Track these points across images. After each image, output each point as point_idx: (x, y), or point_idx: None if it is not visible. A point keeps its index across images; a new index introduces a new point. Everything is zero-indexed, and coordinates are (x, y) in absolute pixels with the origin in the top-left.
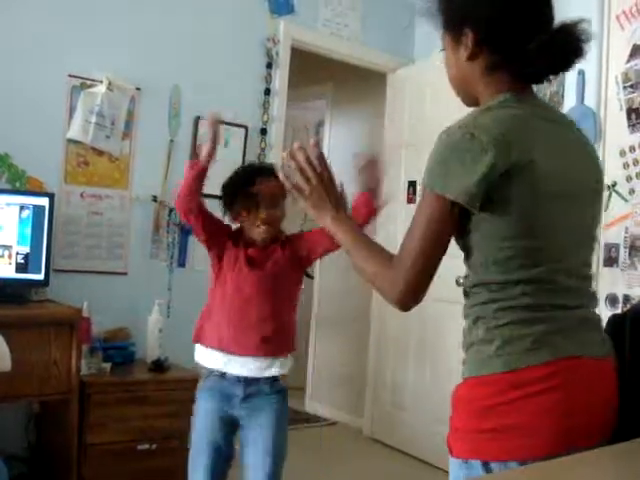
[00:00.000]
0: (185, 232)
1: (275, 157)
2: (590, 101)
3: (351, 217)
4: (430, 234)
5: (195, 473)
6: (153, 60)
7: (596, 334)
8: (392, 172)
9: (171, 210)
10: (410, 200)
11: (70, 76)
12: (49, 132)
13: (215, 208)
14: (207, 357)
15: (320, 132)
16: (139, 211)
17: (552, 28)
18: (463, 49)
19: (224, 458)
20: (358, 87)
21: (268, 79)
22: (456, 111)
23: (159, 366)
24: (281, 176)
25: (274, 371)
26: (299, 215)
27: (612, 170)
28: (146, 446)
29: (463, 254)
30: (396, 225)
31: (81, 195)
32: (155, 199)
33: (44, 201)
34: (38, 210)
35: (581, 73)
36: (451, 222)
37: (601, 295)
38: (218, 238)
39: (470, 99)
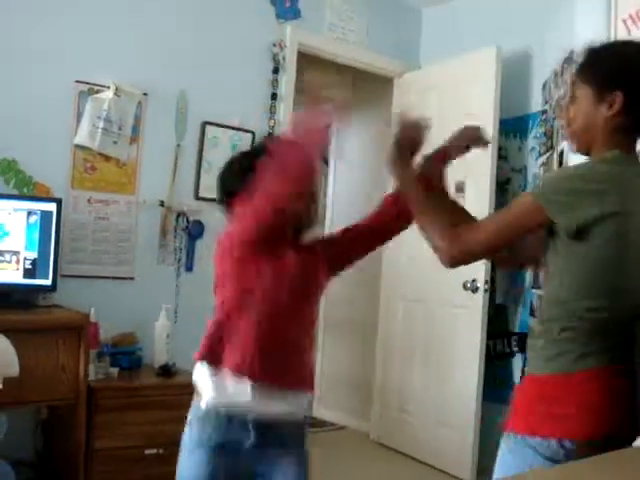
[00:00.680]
0: (192, 237)
1: None
2: None
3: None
4: (511, 226)
5: None
6: (160, 65)
7: None
8: None
9: (178, 215)
10: None
11: (77, 82)
12: (56, 138)
13: (218, 211)
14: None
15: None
16: (146, 216)
17: None
18: (606, 107)
19: None
20: (364, 91)
21: (275, 84)
22: (461, 116)
23: (167, 371)
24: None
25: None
26: None
27: None
28: (154, 451)
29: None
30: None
31: (88, 200)
32: (162, 204)
33: (51, 206)
34: (45, 215)
35: None
36: (527, 230)
37: None
38: None
39: (584, 147)
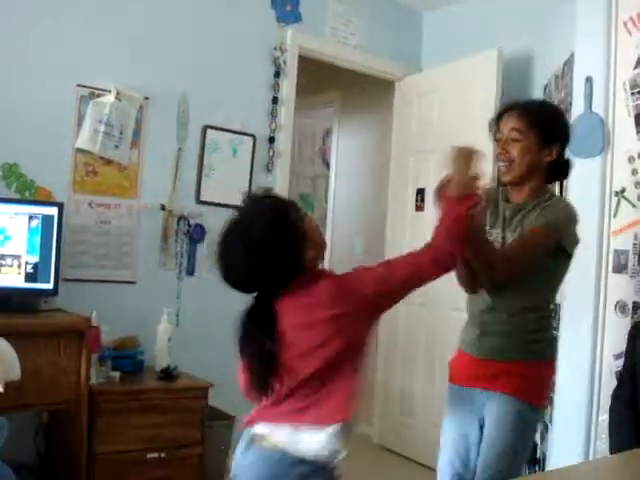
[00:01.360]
0: (194, 241)
1: (283, 165)
2: (598, 108)
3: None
4: (538, 253)
5: None
6: (161, 69)
7: None
8: (400, 180)
9: (179, 219)
10: (419, 208)
11: (78, 86)
12: (58, 142)
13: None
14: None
15: (328, 140)
16: (147, 220)
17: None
18: (547, 153)
19: None
20: (366, 95)
21: (276, 87)
22: (463, 120)
23: (168, 374)
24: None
25: None
26: None
27: (620, 176)
28: (155, 455)
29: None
30: (404, 231)
31: (90, 204)
32: (163, 208)
33: (53, 210)
34: (47, 219)
35: (589, 80)
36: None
37: (610, 302)
38: None
39: (519, 180)
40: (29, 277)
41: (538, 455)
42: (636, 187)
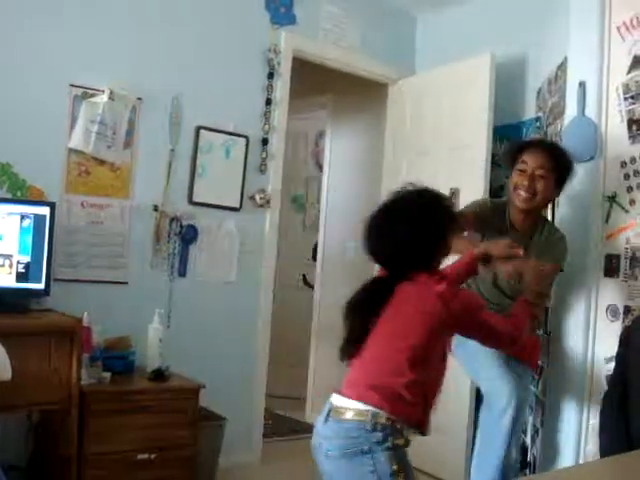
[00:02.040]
0: (186, 241)
1: (276, 167)
2: (591, 112)
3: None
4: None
5: None
6: (154, 70)
7: None
8: (393, 182)
9: (172, 220)
10: None
11: (72, 86)
12: (50, 141)
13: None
14: None
15: (321, 142)
16: (140, 220)
17: None
18: (557, 193)
19: None
20: (359, 97)
21: (269, 89)
22: (456, 123)
23: (159, 375)
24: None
25: None
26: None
27: (613, 181)
28: (146, 456)
29: None
30: None
31: (82, 204)
32: (156, 208)
33: (45, 210)
34: (39, 219)
35: (582, 84)
36: None
37: (601, 306)
38: None
39: (534, 210)
40: (20, 277)
41: (529, 458)
42: (628, 191)
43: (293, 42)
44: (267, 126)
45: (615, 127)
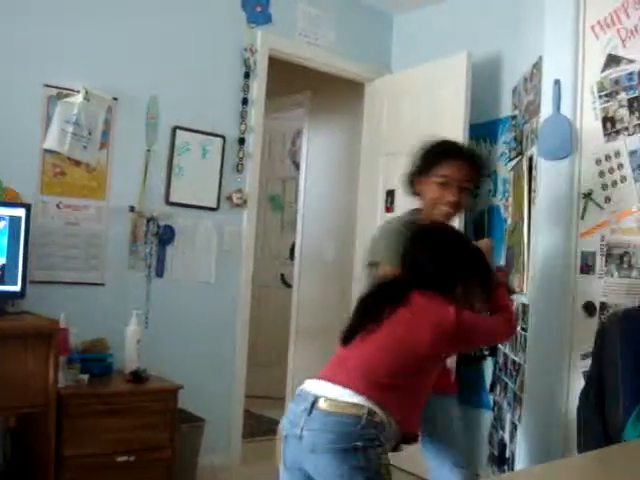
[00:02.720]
0: (163, 242)
1: (253, 167)
2: (566, 110)
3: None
4: None
5: None
6: (130, 70)
7: None
8: (370, 181)
9: (149, 220)
10: (388, 209)
11: (46, 86)
12: (25, 142)
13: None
14: None
15: (298, 142)
16: (116, 221)
17: None
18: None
19: None
20: (336, 96)
21: (246, 89)
22: (432, 122)
23: (138, 377)
24: None
25: None
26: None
27: (588, 178)
28: (125, 458)
29: None
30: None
31: (57, 205)
32: (132, 209)
33: (20, 212)
34: (14, 221)
35: (557, 82)
36: None
37: (578, 303)
38: None
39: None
40: None
41: (507, 455)
42: (603, 189)
43: (269, 41)
44: (244, 126)
45: (590, 125)
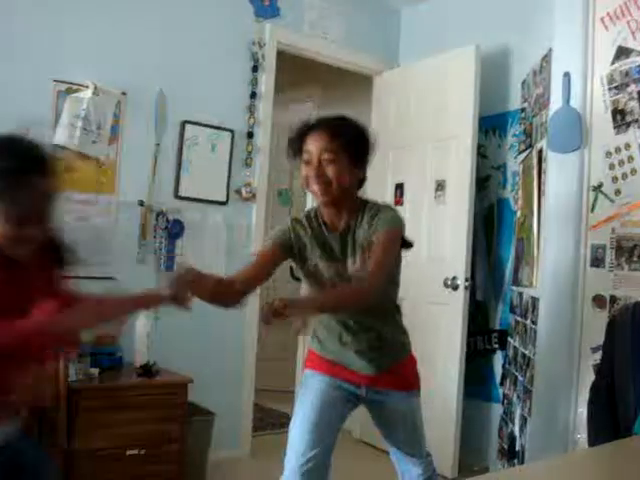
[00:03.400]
0: (172, 236)
1: (262, 160)
2: (576, 102)
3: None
4: (392, 259)
5: None
6: (139, 64)
7: None
8: (379, 174)
9: (158, 214)
10: (397, 202)
11: (55, 81)
12: (34, 137)
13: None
14: None
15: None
16: (126, 216)
17: None
18: (361, 171)
19: None
20: (345, 89)
21: (254, 82)
22: (441, 115)
23: (147, 371)
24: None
25: None
26: None
27: (598, 171)
28: (135, 451)
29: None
30: None
31: (67, 200)
32: (142, 203)
33: None
34: None
35: (567, 75)
36: None
37: (588, 296)
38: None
39: (340, 200)
40: None
41: (517, 448)
42: (613, 182)
43: (277, 35)
44: (252, 119)
45: (600, 117)
